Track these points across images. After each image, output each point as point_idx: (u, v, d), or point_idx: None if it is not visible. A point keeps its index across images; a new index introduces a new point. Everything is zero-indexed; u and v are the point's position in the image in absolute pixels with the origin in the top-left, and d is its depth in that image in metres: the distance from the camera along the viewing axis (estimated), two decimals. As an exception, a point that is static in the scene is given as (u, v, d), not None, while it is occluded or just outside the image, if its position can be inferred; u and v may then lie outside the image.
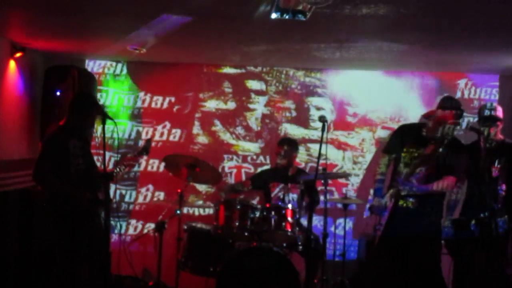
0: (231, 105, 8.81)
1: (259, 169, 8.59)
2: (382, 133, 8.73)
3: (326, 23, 5.90)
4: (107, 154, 6.38)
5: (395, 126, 8.68)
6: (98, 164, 6.49)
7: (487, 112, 6.51)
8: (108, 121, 6.30)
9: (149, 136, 8.51)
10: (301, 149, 8.45)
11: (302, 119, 8.79)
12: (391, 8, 5.32)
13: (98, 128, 7.17)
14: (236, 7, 5.57)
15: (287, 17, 5.33)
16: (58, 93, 7.68)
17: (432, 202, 6.11)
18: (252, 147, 8.80)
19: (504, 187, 6.35)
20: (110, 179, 6.50)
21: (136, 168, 8.49)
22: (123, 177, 7.81)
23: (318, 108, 8.78)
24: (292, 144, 7.85)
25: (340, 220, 8.04)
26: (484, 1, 5.22)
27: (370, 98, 8.79)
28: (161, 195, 8.71)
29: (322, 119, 6.08)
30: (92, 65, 8.65)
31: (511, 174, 6.41)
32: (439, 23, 5.98)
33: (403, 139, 6.23)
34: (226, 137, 8.79)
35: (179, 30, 6.42)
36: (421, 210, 6.05)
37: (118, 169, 6.69)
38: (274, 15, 5.34)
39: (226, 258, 6.83)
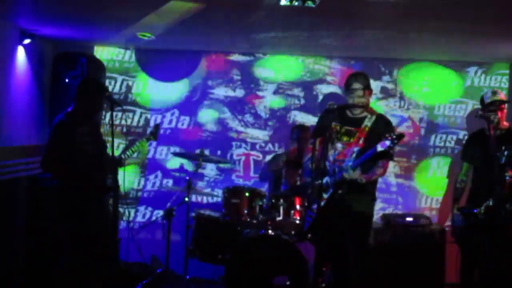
0: (240, 92, 8.79)
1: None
2: (392, 121, 8.68)
3: (335, 9, 5.87)
4: (116, 141, 6.38)
5: (404, 114, 8.74)
6: (107, 150, 6.51)
7: (490, 97, 6.49)
8: (116, 108, 6.32)
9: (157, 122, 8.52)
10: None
11: (310, 107, 8.75)
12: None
13: (106, 115, 7.22)
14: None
15: (296, 3, 5.31)
16: (67, 80, 7.68)
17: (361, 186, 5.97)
18: (260, 134, 8.78)
19: (511, 173, 6.32)
20: (119, 165, 6.52)
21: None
22: (130, 163, 7.81)
23: (327, 96, 8.75)
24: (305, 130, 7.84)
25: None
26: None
27: (377, 86, 8.73)
28: (169, 182, 8.70)
29: (330, 108, 6.05)
30: (101, 52, 8.63)
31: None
32: (449, 11, 5.93)
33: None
34: (234, 124, 8.77)
35: (188, 17, 6.41)
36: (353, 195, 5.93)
37: (126, 155, 6.71)
38: (283, 2, 5.32)
39: (235, 246, 6.84)
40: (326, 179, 5.87)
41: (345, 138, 5.96)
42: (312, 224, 6.22)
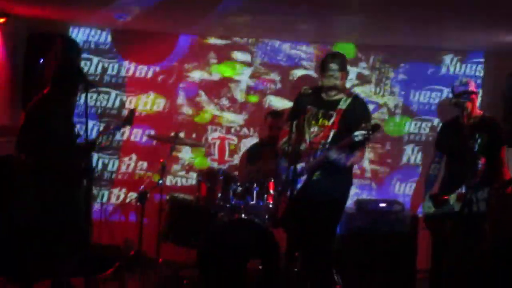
0: (216, 76, 8.76)
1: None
2: (369, 107, 8.70)
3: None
4: (90, 122, 6.35)
5: (380, 100, 8.78)
6: (81, 132, 6.47)
7: (460, 87, 6.52)
8: (91, 90, 6.27)
9: (132, 106, 8.47)
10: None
11: (287, 92, 8.75)
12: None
13: (81, 96, 7.17)
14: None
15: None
16: (41, 61, 7.61)
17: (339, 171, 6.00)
18: (236, 118, 8.78)
19: (483, 161, 6.36)
20: (93, 148, 6.48)
21: (119, 138, 8.48)
22: (105, 146, 7.77)
23: (300, 78, 8.76)
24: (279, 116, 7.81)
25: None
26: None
27: (354, 72, 8.75)
28: (144, 164, 8.69)
29: (305, 92, 6.03)
30: (76, 33, 8.56)
31: (491, 148, 6.43)
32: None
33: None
34: (210, 107, 8.76)
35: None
36: (329, 180, 5.91)
37: (101, 139, 6.67)
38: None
39: (208, 230, 6.83)
40: (301, 166, 5.87)
41: (321, 121, 5.96)
42: (286, 209, 6.22)
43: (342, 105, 5.92)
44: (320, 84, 6.03)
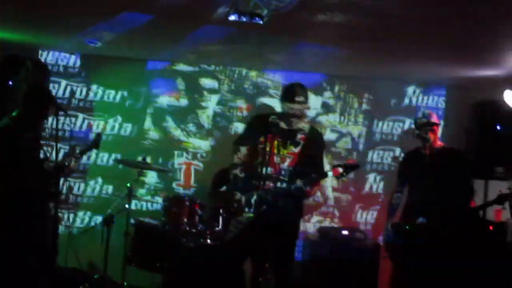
0: (183, 102, 8.84)
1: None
2: (331, 136, 8.87)
3: (282, 27, 6.00)
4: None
5: (344, 129, 8.92)
6: (48, 155, 6.51)
7: (422, 119, 6.72)
8: (60, 113, 6.32)
9: (100, 130, 8.50)
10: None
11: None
12: (346, 17, 5.46)
13: (49, 120, 7.20)
14: (196, 8, 5.64)
15: (244, 19, 5.40)
16: (11, 83, 7.63)
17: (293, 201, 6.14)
18: (202, 144, 8.85)
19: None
20: (61, 171, 6.51)
21: (85, 161, 8.50)
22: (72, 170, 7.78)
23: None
24: None
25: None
26: (432, 17, 5.38)
27: (319, 101, 8.89)
28: (109, 188, 8.70)
29: (273, 121, 6.14)
30: (46, 56, 8.58)
31: (452, 178, 6.60)
32: (391, 34, 6.12)
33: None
34: (177, 133, 8.82)
35: (138, 27, 6.47)
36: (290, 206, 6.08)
37: (68, 162, 6.70)
38: (232, 17, 5.40)
39: (173, 255, 6.87)
40: (255, 197, 5.98)
41: (282, 151, 6.09)
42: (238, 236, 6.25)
43: (305, 133, 6.08)
44: (282, 112, 6.16)
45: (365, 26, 5.82)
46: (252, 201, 5.96)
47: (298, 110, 6.05)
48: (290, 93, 6.12)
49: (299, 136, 6.09)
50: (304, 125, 6.17)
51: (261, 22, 5.35)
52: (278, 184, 5.96)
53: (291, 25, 5.87)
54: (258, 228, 5.83)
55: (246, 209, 6.03)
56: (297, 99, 6.03)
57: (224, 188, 7.06)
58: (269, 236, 5.94)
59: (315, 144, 6.16)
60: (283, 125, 6.11)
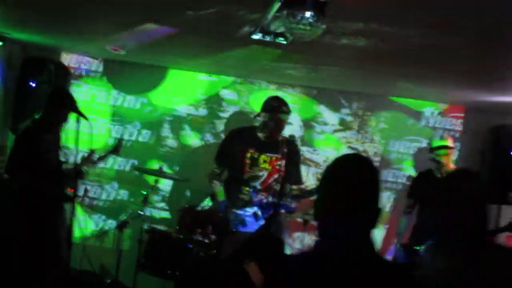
0: (202, 111, 8.92)
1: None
2: (347, 152, 8.88)
3: (304, 48, 6.06)
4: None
5: (359, 147, 8.96)
6: (67, 158, 6.61)
7: (438, 142, 6.77)
8: (81, 118, 6.41)
9: (119, 135, 8.59)
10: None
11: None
12: (368, 42, 5.52)
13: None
14: (222, 25, 5.71)
15: (268, 39, 5.47)
16: (33, 85, 7.74)
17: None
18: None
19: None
20: (80, 176, 6.60)
21: (102, 165, 8.58)
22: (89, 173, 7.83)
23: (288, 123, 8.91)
24: None
25: (298, 234, 8.22)
26: (451, 45, 5.43)
27: (336, 117, 8.96)
28: (125, 193, 8.79)
29: (291, 138, 6.24)
30: (69, 59, 8.69)
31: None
32: (410, 58, 6.17)
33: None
34: (194, 142, 8.90)
35: (162, 37, 6.55)
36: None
37: (87, 167, 6.79)
38: (256, 36, 5.47)
39: (185, 264, 6.93)
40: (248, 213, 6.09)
41: (265, 166, 6.16)
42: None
43: (284, 148, 6.15)
44: (264, 125, 6.21)
45: (386, 51, 5.87)
46: (246, 218, 6.08)
47: (284, 121, 6.13)
48: (277, 103, 6.20)
49: (280, 148, 6.16)
50: (280, 139, 6.24)
51: (284, 42, 5.42)
52: (265, 200, 6.03)
53: (313, 45, 5.92)
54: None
55: (240, 227, 6.15)
56: (284, 109, 6.12)
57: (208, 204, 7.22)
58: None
59: (295, 155, 6.26)
60: (264, 137, 6.19)
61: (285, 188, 6.09)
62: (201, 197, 7.71)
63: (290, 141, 6.27)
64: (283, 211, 6.20)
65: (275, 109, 6.21)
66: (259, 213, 6.07)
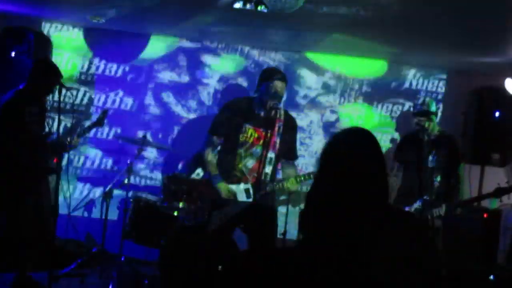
0: (185, 78, 8.87)
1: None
2: (331, 117, 8.92)
3: (285, 15, 6.02)
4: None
5: (343, 110, 8.96)
6: (51, 129, 6.58)
7: (421, 107, 6.80)
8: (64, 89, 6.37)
9: (100, 104, 8.56)
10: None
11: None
12: (349, 10, 5.50)
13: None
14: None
15: (249, 7, 5.44)
16: (13, 55, 7.66)
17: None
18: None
19: (439, 178, 6.63)
20: (64, 148, 6.59)
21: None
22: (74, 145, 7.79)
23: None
24: None
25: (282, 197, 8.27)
26: (433, 11, 5.42)
27: (320, 81, 8.93)
28: (109, 162, 8.78)
29: (274, 106, 6.20)
30: (48, 28, 8.60)
31: (449, 165, 6.70)
32: (392, 23, 6.17)
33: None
34: (177, 109, 8.86)
35: (142, 5, 6.49)
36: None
37: (71, 139, 6.77)
38: (237, 5, 5.44)
39: (171, 232, 6.95)
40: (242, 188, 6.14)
41: (260, 142, 6.16)
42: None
43: (279, 124, 6.13)
44: (259, 95, 6.20)
45: (367, 17, 5.86)
46: (240, 193, 6.11)
47: (280, 88, 6.08)
48: (267, 76, 6.15)
49: (277, 122, 6.13)
50: (280, 111, 6.21)
51: (265, 11, 5.38)
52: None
53: (295, 12, 5.90)
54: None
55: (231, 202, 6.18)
56: (278, 85, 6.07)
57: (200, 174, 7.19)
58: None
59: (291, 130, 6.25)
60: (260, 110, 6.17)
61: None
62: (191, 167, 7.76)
63: (286, 115, 6.24)
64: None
65: (271, 76, 6.15)
66: (251, 190, 6.08)
